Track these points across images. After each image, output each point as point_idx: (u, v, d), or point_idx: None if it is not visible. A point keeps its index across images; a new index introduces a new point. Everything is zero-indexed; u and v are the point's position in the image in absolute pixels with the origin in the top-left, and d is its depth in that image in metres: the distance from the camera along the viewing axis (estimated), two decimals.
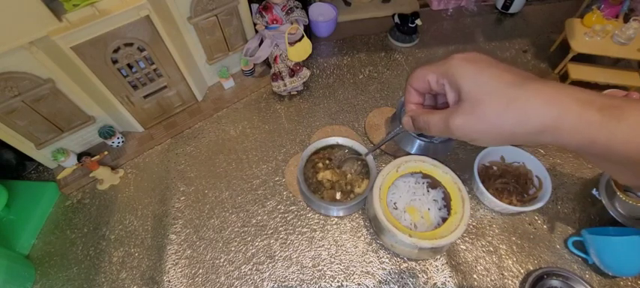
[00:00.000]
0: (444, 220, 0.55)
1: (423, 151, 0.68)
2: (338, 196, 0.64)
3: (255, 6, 0.72)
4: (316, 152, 0.67)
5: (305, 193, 0.62)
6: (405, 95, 0.40)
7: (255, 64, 0.82)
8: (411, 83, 0.38)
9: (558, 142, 0.30)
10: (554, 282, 0.55)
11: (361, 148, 0.65)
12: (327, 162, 0.66)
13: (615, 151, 0.28)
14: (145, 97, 0.70)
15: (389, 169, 0.59)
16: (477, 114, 0.32)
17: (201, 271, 0.59)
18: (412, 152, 0.68)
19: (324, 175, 0.64)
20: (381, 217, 0.53)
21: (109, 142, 0.71)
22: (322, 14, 0.94)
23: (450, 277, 0.57)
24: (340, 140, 0.67)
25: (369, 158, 0.64)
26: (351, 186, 0.64)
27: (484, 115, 0.32)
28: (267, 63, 0.82)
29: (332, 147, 0.68)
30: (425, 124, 0.37)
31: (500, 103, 0.31)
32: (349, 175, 0.65)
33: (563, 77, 0.82)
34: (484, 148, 0.66)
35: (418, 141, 0.65)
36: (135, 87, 0.67)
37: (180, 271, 0.59)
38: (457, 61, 0.33)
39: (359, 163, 0.67)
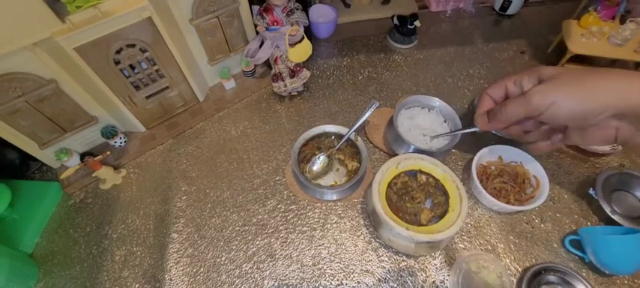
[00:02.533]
0: (442, 216, 0.56)
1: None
2: (332, 181, 0.67)
3: (255, 8, 0.73)
4: (305, 144, 0.68)
5: (302, 181, 0.64)
6: (479, 103, 0.45)
7: (255, 65, 0.83)
8: (487, 91, 0.44)
9: (628, 108, 0.35)
10: (551, 277, 0.56)
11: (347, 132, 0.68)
12: (317, 151, 0.68)
13: None
14: (147, 97, 0.71)
15: (388, 165, 0.60)
16: (554, 84, 0.37)
17: (202, 269, 0.60)
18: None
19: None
20: (379, 211, 0.54)
21: (112, 142, 0.72)
22: (322, 16, 0.95)
23: (448, 275, 0.58)
24: (327, 127, 0.69)
25: (358, 140, 0.67)
26: (345, 166, 0.68)
27: (560, 85, 0.36)
28: (267, 64, 0.83)
29: (319, 136, 0.69)
30: (501, 108, 0.41)
31: (574, 78, 0.36)
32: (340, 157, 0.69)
33: None
34: (482, 147, 0.67)
35: (413, 146, 0.65)
36: (137, 88, 0.68)
37: (182, 270, 0.60)
38: (540, 66, 0.40)
39: (348, 144, 0.69)
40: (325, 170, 0.67)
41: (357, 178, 0.63)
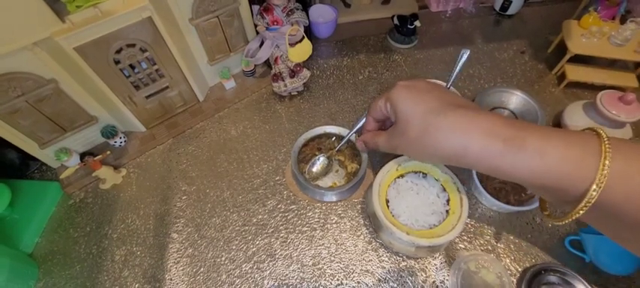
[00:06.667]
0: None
1: None
2: (331, 182, 0.66)
3: (256, 7, 0.73)
4: (306, 144, 0.68)
5: (302, 182, 0.63)
6: (364, 124, 0.47)
7: (255, 65, 0.82)
8: (369, 113, 0.46)
9: (469, 166, 0.35)
10: (552, 277, 0.56)
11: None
12: (317, 152, 0.68)
13: (519, 177, 0.32)
14: (147, 97, 0.71)
15: (389, 167, 0.60)
16: (405, 136, 0.38)
17: (202, 269, 0.60)
18: None
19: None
20: (379, 215, 0.54)
21: (112, 142, 0.72)
22: (322, 16, 0.95)
23: (448, 275, 0.58)
24: (327, 128, 0.68)
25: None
26: (345, 167, 0.68)
27: (409, 138, 0.37)
28: (267, 64, 0.83)
29: (320, 137, 0.69)
30: (375, 144, 0.45)
31: (420, 129, 0.36)
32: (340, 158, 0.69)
33: (561, 78, 0.83)
34: None
35: None
36: (137, 87, 0.68)
37: (182, 270, 0.60)
38: (398, 88, 0.39)
39: (347, 146, 0.69)
40: (325, 171, 0.67)
41: (355, 180, 0.63)
